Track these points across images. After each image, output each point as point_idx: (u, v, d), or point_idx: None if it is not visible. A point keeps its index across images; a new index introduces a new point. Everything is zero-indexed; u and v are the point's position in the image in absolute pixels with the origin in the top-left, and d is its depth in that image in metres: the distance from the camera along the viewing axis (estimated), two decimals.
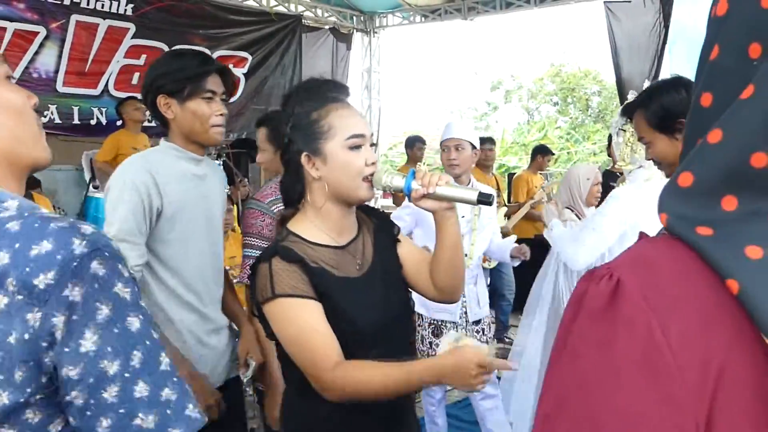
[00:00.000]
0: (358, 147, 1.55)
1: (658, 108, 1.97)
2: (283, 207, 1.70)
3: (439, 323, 3.44)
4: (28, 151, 0.96)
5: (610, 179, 3.90)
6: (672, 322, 0.54)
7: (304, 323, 1.48)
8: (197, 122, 2.01)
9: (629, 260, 0.60)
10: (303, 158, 1.56)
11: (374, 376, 1.45)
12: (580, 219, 3.95)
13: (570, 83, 21.95)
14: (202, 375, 2.04)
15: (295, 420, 1.65)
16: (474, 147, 3.38)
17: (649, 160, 2.16)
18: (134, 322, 0.85)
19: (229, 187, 5.93)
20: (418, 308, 3.48)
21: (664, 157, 2.01)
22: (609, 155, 3.20)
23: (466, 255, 3.41)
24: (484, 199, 1.51)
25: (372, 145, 1.61)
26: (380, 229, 1.73)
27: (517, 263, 3.62)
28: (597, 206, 3.58)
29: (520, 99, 23.19)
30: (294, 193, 1.63)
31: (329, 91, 1.61)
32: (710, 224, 0.57)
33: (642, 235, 0.65)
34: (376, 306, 1.59)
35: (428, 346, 3.45)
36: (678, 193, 0.60)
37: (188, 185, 2.04)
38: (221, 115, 2.04)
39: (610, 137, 3.18)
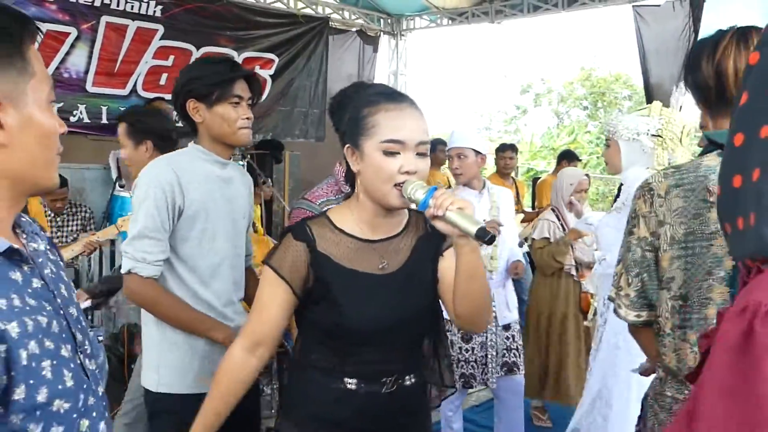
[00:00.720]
0: (393, 153, 1.51)
1: None
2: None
3: None
4: (38, 175, 0.99)
5: None
6: None
7: (264, 296, 1.61)
8: (225, 125, 2.10)
9: None
10: (346, 150, 1.60)
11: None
12: (559, 221, 4.05)
13: (600, 87, 21.72)
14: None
15: (298, 409, 1.66)
16: (478, 153, 3.38)
17: (701, 147, 2.19)
18: None
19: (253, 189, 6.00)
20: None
21: None
22: (607, 162, 3.11)
23: (491, 258, 3.39)
24: (481, 235, 1.41)
25: (419, 154, 1.54)
26: (428, 237, 1.67)
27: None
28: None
29: (550, 103, 23.00)
30: (348, 180, 1.69)
31: (395, 96, 1.60)
32: None
33: (761, 268, 0.66)
34: (383, 307, 1.58)
35: (458, 351, 3.44)
36: None
37: (211, 186, 2.12)
38: (247, 118, 2.13)
39: (607, 140, 3.09)
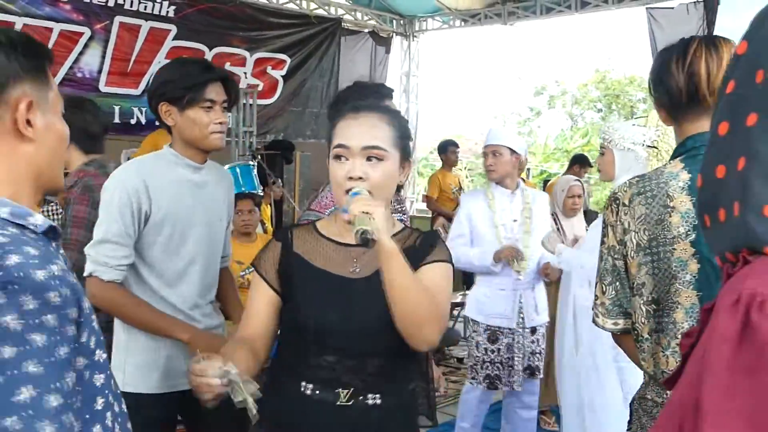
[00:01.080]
0: (339, 158, 1.54)
1: None
2: None
3: (495, 329, 3.40)
4: (53, 173, 1.14)
5: None
6: None
7: (253, 297, 1.66)
8: (196, 129, 2.07)
9: None
10: (327, 159, 1.62)
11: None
12: (556, 225, 4.11)
13: (615, 90, 21.60)
14: (208, 331, 2.14)
15: (265, 409, 1.65)
16: (514, 152, 3.37)
17: None
18: (5, 352, 0.87)
19: (262, 188, 6.00)
20: (474, 315, 3.50)
21: None
22: (599, 170, 3.09)
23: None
24: (360, 240, 1.37)
25: (370, 158, 1.51)
26: (414, 250, 1.60)
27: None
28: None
29: (564, 105, 22.89)
30: None
31: (366, 96, 1.65)
32: None
33: (747, 259, 0.64)
34: (344, 308, 1.54)
35: (483, 351, 3.43)
36: None
37: (182, 191, 2.10)
38: (220, 123, 2.09)
39: (602, 147, 3.05)
